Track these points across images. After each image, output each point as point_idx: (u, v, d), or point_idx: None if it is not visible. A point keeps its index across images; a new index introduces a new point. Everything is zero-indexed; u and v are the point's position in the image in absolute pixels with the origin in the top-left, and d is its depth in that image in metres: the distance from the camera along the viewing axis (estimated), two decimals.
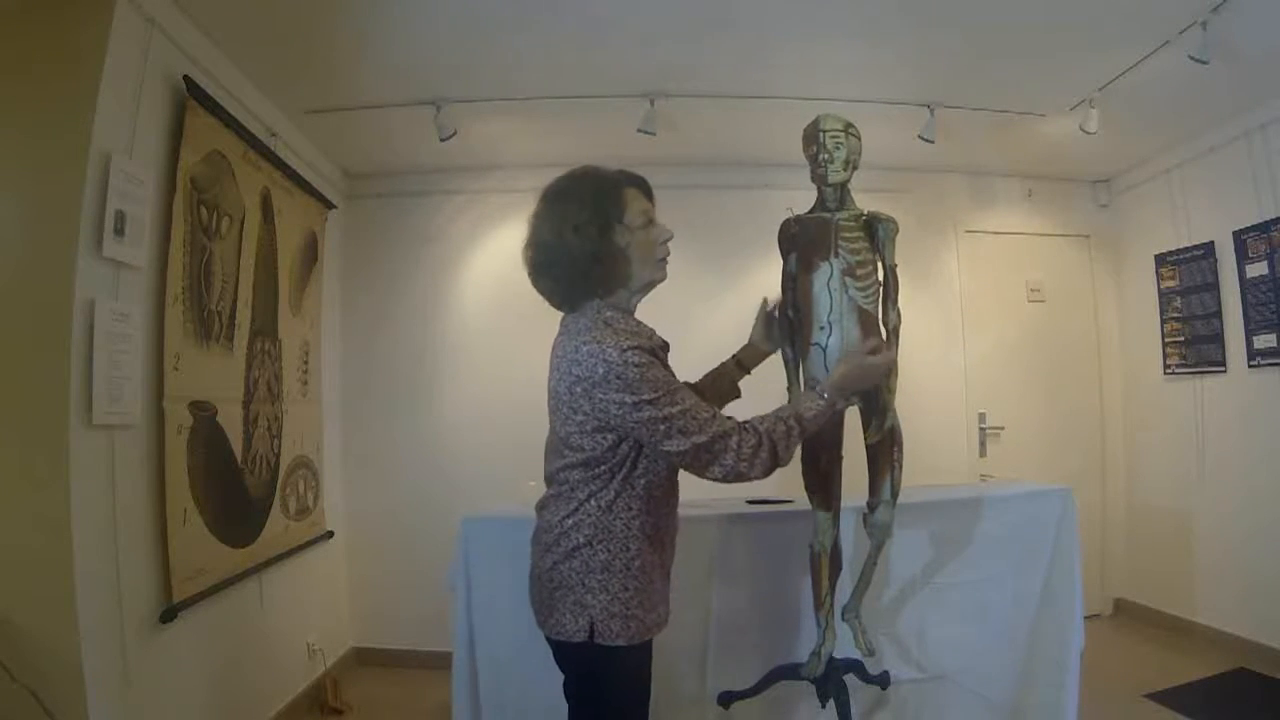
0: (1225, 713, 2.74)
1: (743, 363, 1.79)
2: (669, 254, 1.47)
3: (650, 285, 1.47)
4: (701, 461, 1.32)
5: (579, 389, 1.31)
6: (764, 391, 1.86)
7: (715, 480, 1.37)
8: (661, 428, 1.28)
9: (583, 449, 1.35)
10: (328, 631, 3.26)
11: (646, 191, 1.47)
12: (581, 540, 1.36)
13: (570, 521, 1.37)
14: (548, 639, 1.42)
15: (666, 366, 1.41)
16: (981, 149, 3.60)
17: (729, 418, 1.37)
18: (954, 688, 2.25)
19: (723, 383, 1.76)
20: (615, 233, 1.38)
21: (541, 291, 1.44)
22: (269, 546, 2.72)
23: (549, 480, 1.47)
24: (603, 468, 1.35)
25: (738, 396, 1.79)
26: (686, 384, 1.61)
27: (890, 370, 1.73)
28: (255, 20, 2.34)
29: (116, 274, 1.97)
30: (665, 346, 1.44)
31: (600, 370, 1.28)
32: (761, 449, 1.34)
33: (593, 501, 1.36)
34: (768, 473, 1.36)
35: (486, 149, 3.45)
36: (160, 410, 2.12)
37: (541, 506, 1.47)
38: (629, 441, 1.35)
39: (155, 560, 2.09)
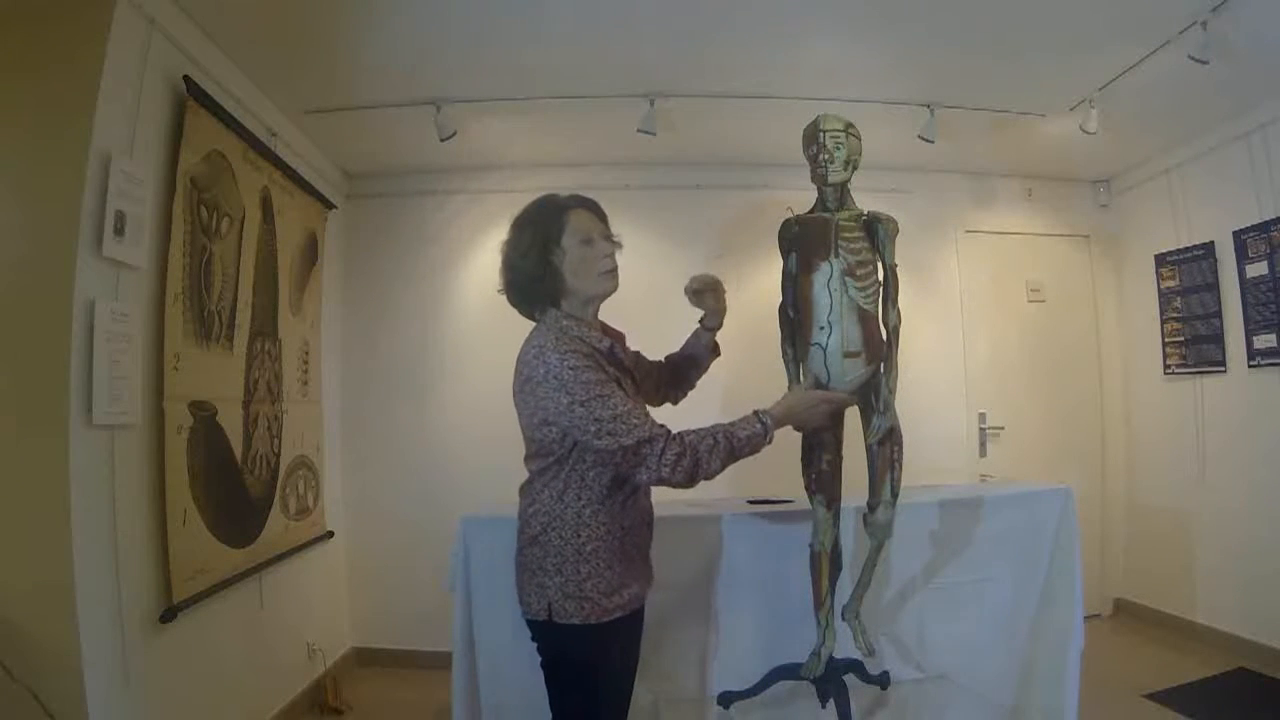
0: (1225, 713, 2.74)
1: (705, 322, 1.88)
2: (613, 266, 1.56)
3: (599, 296, 1.57)
4: (629, 463, 1.43)
5: (527, 388, 1.47)
6: (766, 389, 1.86)
7: (643, 483, 1.51)
8: (593, 428, 1.40)
9: (533, 440, 1.51)
10: (328, 631, 3.26)
11: (596, 212, 1.58)
12: (539, 528, 1.50)
13: (531, 510, 1.53)
14: (522, 616, 1.55)
15: (616, 368, 1.52)
16: (981, 149, 3.60)
17: (660, 425, 1.45)
18: (954, 688, 2.26)
19: (695, 344, 1.88)
20: (552, 254, 1.51)
21: (511, 305, 1.59)
22: (269, 546, 2.72)
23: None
24: (552, 459, 1.49)
25: (717, 355, 1.90)
26: (668, 356, 1.86)
27: (837, 414, 1.83)
28: (255, 20, 2.34)
29: (116, 274, 1.97)
30: (611, 350, 1.53)
31: (541, 372, 1.42)
32: (684, 459, 1.43)
33: (546, 491, 1.50)
34: (691, 482, 1.46)
35: (486, 149, 3.45)
36: (160, 410, 2.12)
37: (519, 494, 1.59)
38: (571, 436, 1.45)
39: (155, 560, 2.09)
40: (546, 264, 1.50)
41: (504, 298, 1.59)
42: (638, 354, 1.79)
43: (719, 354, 1.91)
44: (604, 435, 1.39)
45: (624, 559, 1.53)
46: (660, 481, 1.45)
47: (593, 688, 1.52)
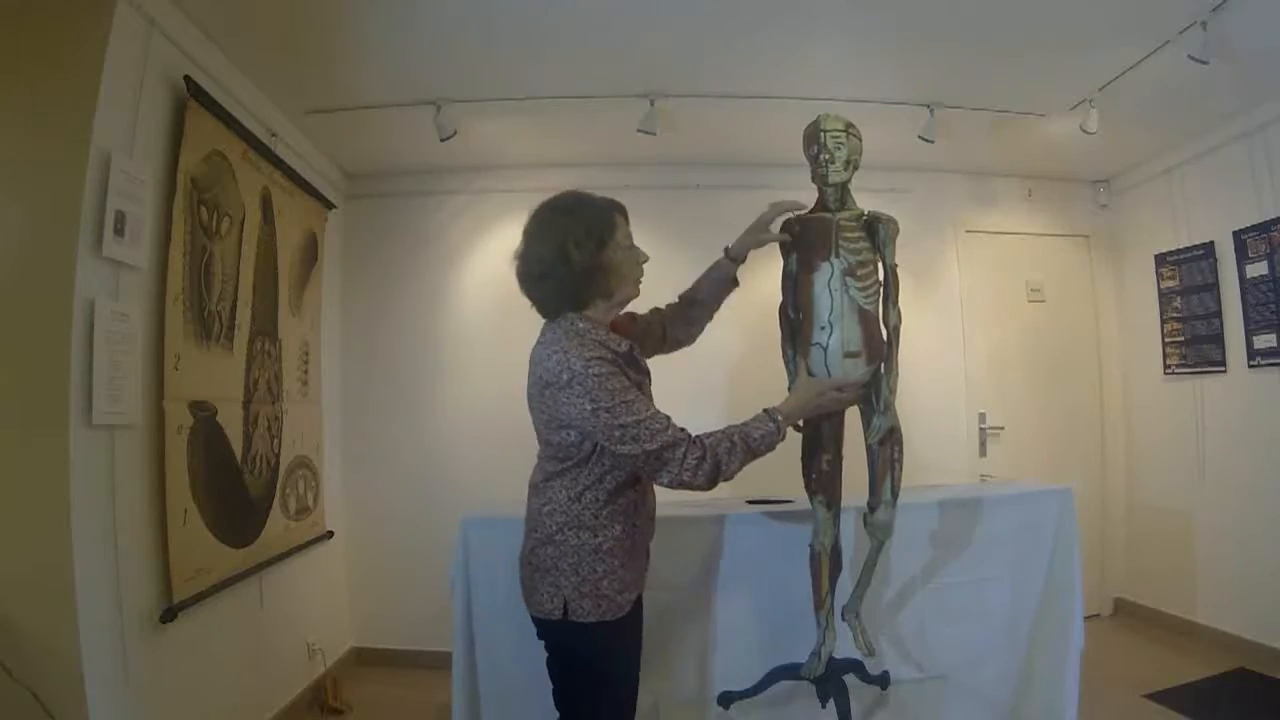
0: (1225, 713, 2.74)
1: (730, 252, 1.88)
2: (643, 275, 1.59)
3: (626, 301, 1.59)
4: (651, 468, 1.44)
5: (547, 393, 1.45)
6: (767, 389, 1.86)
7: (664, 486, 1.51)
8: (617, 433, 1.40)
9: (550, 443, 1.51)
10: (328, 631, 3.26)
11: (627, 218, 1.58)
12: (554, 527, 1.49)
13: (546, 509, 1.52)
14: (531, 616, 1.54)
15: (636, 370, 1.52)
16: (981, 149, 3.60)
17: (682, 430, 1.46)
18: (954, 688, 2.26)
19: (716, 273, 1.88)
20: (608, 249, 1.49)
21: (530, 299, 1.54)
22: (269, 546, 2.72)
23: (537, 471, 1.59)
24: (570, 462, 1.49)
25: (735, 286, 1.90)
26: (683, 294, 1.88)
27: (850, 402, 1.84)
28: (255, 20, 2.34)
29: (116, 274, 1.97)
30: (630, 353, 1.52)
31: (564, 377, 1.40)
32: (705, 462, 1.45)
33: (563, 493, 1.50)
34: (711, 484, 1.48)
35: (486, 149, 3.45)
36: (160, 410, 2.12)
37: (530, 494, 1.59)
38: (591, 440, 1.45)
39: (155, 560, 2.09)
40: (603, 259, 1.48)
41: (507, 295, 1.57)
42: (630, 314, 1.77)
43: (738, 285, 1.90)
44: (628, 441, 1.40)
45: (633, 555, 1.54)
46: (682, 485, 1.45)
47: (607, 684, 1.52)
